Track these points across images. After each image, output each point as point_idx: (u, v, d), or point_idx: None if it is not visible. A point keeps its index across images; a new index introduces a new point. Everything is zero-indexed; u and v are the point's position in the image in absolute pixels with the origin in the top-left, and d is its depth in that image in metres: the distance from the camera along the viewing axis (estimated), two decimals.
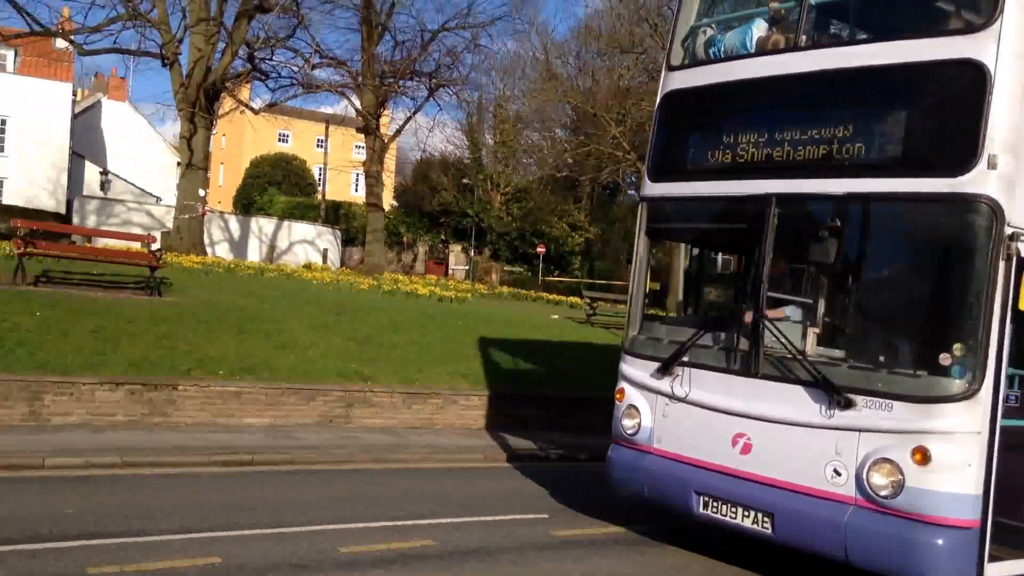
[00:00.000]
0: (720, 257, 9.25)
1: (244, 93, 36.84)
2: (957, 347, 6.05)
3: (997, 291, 6.01)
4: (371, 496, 9.11)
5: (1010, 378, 6.39)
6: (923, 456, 5.97)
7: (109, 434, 10.41)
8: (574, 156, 45.80)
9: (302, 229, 44.19)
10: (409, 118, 37.78)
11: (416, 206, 55.38)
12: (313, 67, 32.64)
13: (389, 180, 48.99)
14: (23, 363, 11.00)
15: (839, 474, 6.34)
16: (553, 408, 13.93)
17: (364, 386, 12.86)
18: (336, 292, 21.73)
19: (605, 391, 8.18)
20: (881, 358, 6.57)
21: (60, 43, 39.92)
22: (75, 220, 38.09)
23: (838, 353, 6.88)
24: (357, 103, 33.91)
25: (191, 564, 6.35)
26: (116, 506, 7.85)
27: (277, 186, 60.21)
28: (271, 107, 34.90)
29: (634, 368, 7.90)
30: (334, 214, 50.49)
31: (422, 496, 9.27)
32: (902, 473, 6.04)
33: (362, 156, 40.50)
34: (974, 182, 6.02)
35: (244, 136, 64.08)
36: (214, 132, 35.14)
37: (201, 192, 28.81)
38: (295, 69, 32.47)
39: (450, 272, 46.78)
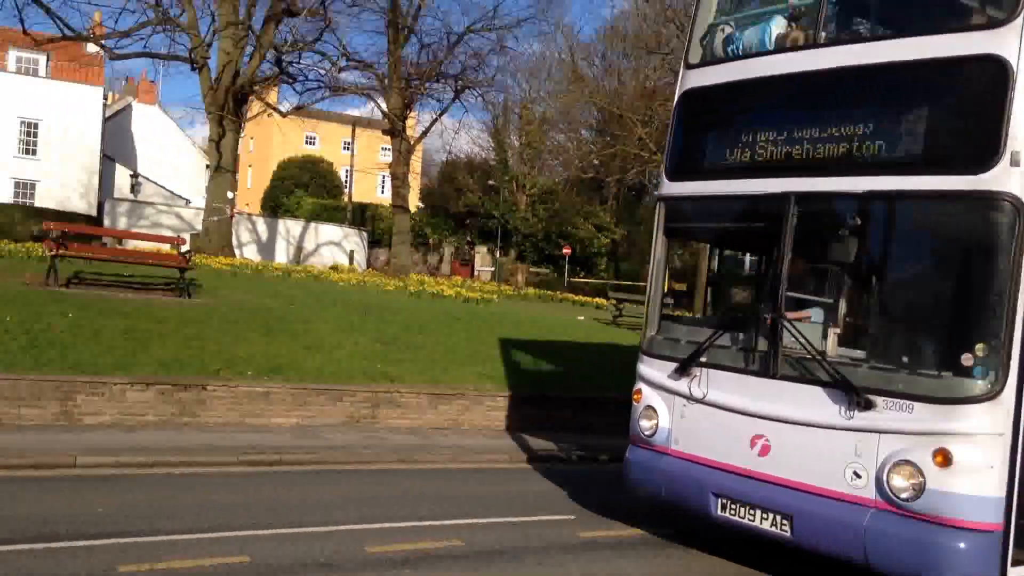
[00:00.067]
0: (739, 257, 9.17)
1: (272, 96, 37.18)
2: (979, 347, 5.95)
3: (1020, 290, 5.91)
4: (397, 496, 9.15)
5: None
6: (944, 458, 5.88)
7: (139, 434, 10.54)
8: (600, 157, 45.73)
9: (329, 231, 44.48)
10: (435, 120, 37.97)
11: (442, 208, 55.53)
12: (340, 70, 32.90)
13: (415, 182, 49.17)
14: (55, 363, 11.16)
15: (859, 476, 6.26)
16: (579, 409, 13.92)
17: (390, 387, 12.92)
18: (362, 293, 21.84)
19: (630, 392, 8.15)
20: (902, 358, 6.49)
21: (91, 48, 40.45)
22: (106, 222, 38.59)
23: (858, 353, 6.81)
24: (383, 105, 34.07)
25: (220, 563, 6.42)
26: (146, 505, 7.95)
27: (304, 188, 60.62)
28: (298, 110, 35.16)
29: (652, 369, 7.84)
30: (360, 216, 50.77)
31: (448, 496, 9.30)
32: (923, 475, 5.95)
33: (388, 158, 40.67)
34: (996, 179, 5.92)
35: (272, 139, 64.55)
36: (242, 135, 35.49)
37: (229, 194, 29.08)
38: (322, 72, 32.75)
39: (476, 273, 46.84)
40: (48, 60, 46.52)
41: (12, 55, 46.39)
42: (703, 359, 7.35)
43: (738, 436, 6.95)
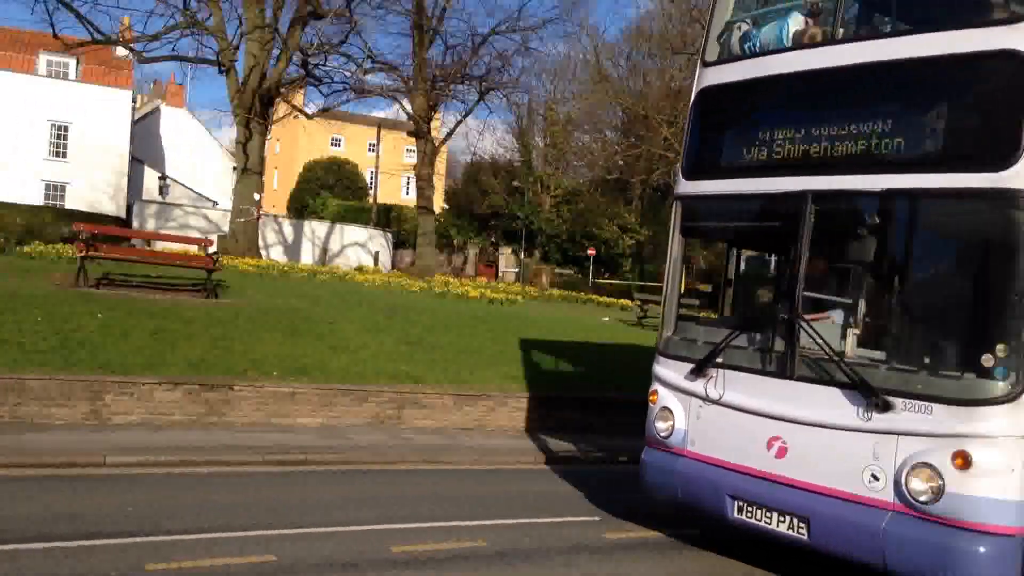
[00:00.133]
0: (756, 257, 9.07)
1: (298, 98, 37.48)
2: (1000, 348, 5.83)
3: None
4: (423, 496, 9.18)
5: None
6: (964, 461, 5.79)
7: (167, 433, 10.65)
8: (625, 158, 45.64)
9: (354, 232, 44.70)
10: (460, 121, 38.07)
11: (466, 209, 55.57)
12: (365, 72, 33.05)
13: (440, 183, 49.38)
14: (85, 363, 11.30)
15: (877, 479, 6.17)
16: (604, 411, 13.89)
17: (415, 388, 12.97)
18: (387, 294, 21.92)
19: None
20: (920, 359, 6.38)
21: (120, 51, 40.91)
22: (135, 224, 39.05)
23: (876, 354, 6.71)
24: (408, 107, 34.21)
25: (247, 562, 6.48)
26: (174, 504, 8.04)
27: (330, 190, 60.93)
28: (324, 112, 35.38)
29: (668, 370, 7.78)
30: (385, 217, 50.96)
31: (473, 497, 9.32)
32: (942, 478, 5.86)
33: (413, 159, 40.83)
34: (1017, 176, 5.82)
35: (298, 141, 65.04)
36: (269, 137, 35.72)
37: (256, 196, 29.30)
38: (348, 74, 32.96)
39: (500, 274, 46.88)
40: (78, 64, 47.12)
41: (43, 59, 47.03)
42: (719, 360, 7.28)
43: (755, 438, 6.89)
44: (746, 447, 6.94)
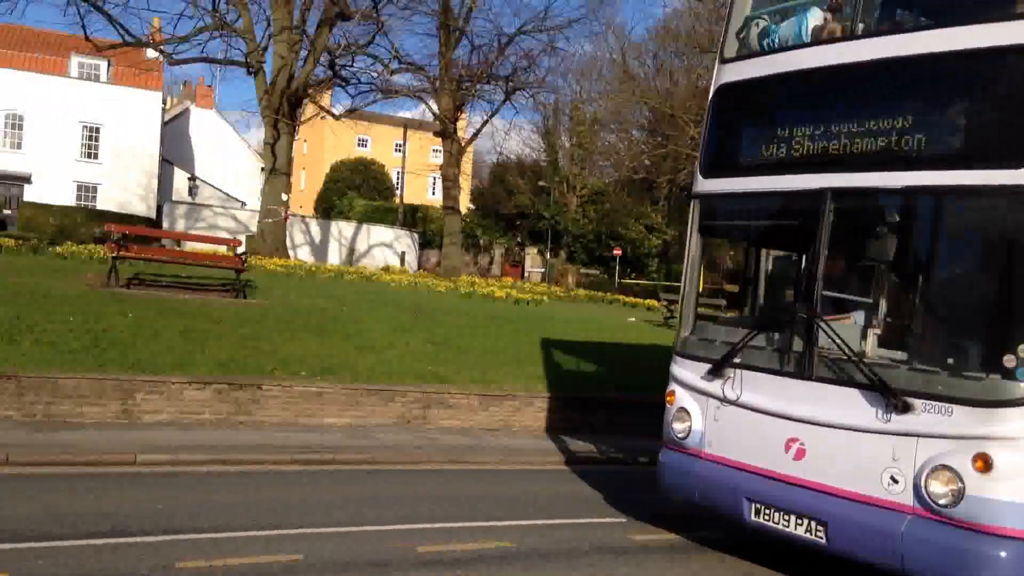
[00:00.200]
0: (775, 255, 8.97)
1: (325, 99, 37.70)
2: (1022, 348, 5.71)
3: None
4: (449, 496, 9.20)
5: None
6: (985, 463, 5.66)
7: (197, 432, 10.75)
8: (651, 157, 45.46)
9: (380, 232, 44.90)
10: (486, 122, 38.12)
11: (492, 209, 55.67)
12: (392, 73, 33.17)
13: (466, 183, 49.42)
14: (116, 363, 11.43)
15: (896, 481, 6.07)
16: (631, 411, 13.83)
17: (441, 388, 12.99)
18: (414, 294, 22.00)
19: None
20: (941, 360, 6.24)
21: (151, 53, 41.31)
22: (165, 224, 39.48)
23: (895, 354, 6.60)
24: (435, 107, 34.30)
25: (275, 560, 6.52)
26: (203, 502, 8.11)
27: (356, 190, 61.26)
28: (351, 112, 35.56)
29: (685, 370, 7.68)
30: (411, 217, 51.14)
31: (498, 497, 9.33)
32: (962, 481, 5.74)
33: (439, 160, 40.92)
34: None
35: (325, 141, 65.39)
36: (296, 138, 35.97)
37: (284, 197, 29.52)
38: (374, 75, 33.12)
39: (526, 275, 46.90)
40: (109, 66, 47.72)
41: (75, 61, 47.67)
42: (737, 360, 7.18)
43: (772, 439, 6.78)
44: (763, 449, 6.85)
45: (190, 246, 27.06)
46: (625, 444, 12.50)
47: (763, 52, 7.63)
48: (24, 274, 15.49)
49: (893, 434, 6.10)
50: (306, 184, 75.09)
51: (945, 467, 5.83)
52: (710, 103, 7.97)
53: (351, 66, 32.59)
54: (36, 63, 46.91)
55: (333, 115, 35.43)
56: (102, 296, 14.16)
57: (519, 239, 52.97)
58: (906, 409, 6.05)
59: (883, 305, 7.05)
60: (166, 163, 51.87)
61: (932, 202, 6.56)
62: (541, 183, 51.30)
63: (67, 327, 12.15)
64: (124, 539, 6.72)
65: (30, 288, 13.96)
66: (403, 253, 43.67)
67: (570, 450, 12.11)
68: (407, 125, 52.10)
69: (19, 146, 46.40)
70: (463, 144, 36.83)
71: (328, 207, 59.49)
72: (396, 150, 65.11)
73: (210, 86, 62.03)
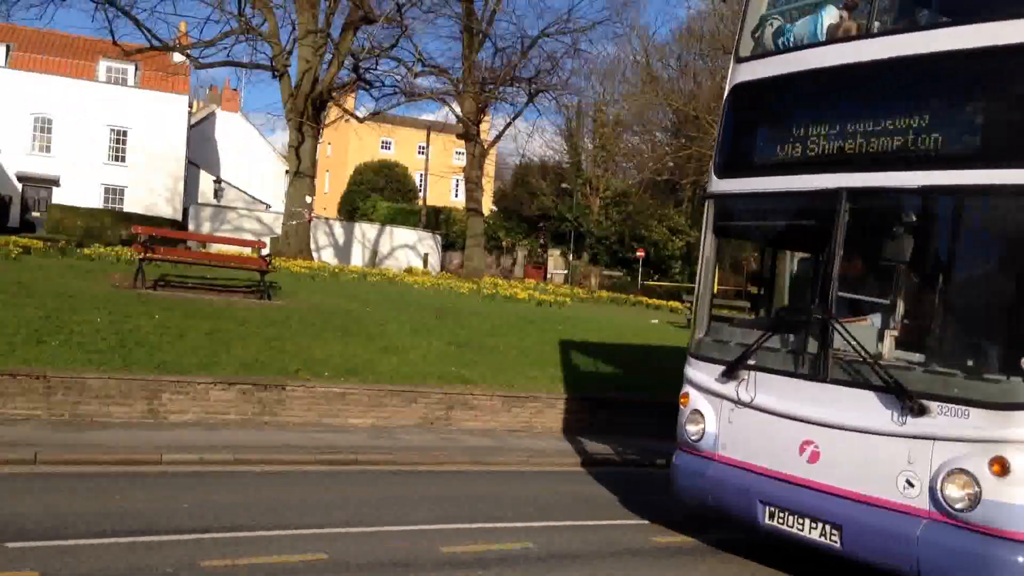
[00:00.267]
0: (790, 256, 8.88)
1: (349, 102, 37.82)
2: None
3: None
4: (471, 497, 9.22)
5: None
6: (1002, 467, 5.59)
7: (222, 432, 10.83)
8: (675, 159, 45.31)
9: (403, 234, 45.05)
10: (509, 124, 38.10)
11: (515, 211, 55.65)
12: (416, 75, 33.24)
13: (488, 185, 49.49)
14: (142, 363, 11.54)
15: (912, 485, 6.00)
16: (653, 413, 13.77)
17: (464, 389, 13.02)
18: (436, 296, 22.04)
19: None
20: (957, 362, 6.17)
21: (177, 57, 41.76)
22: (190, 226, 39.83)
23: (911, 356, 6.52)
24: (458, 110, 34.35)
25: (299, 560, 6.56)
26: (228, 502, 8.18)
27: (380, 192, 61.49)
28: (375, 115, 35.68)
29: (699, 372, 7.64)
30: (435, 219, 51.28)
31: (521, 499, 9.34)
32: (979, 485, 5.67)
33: (462, 162, 40.99)
34: None
35: (348, 144, 65.68)
36: (320, 141, 36.15)
37: (308, 199, 29.69)
38: (398, 78, 33.18)
39: (549, 276, 46.86)
40: (136, 70, 48.23)
41: (102, 65, 48.22)
42: (751, 362, 7.12)
43: (786, 442, 6.73)
44: (778, 451, 6.80)
45: (215, 248, 27.28)
46: (649, 446, 12.45)
47: (778, 51, 7.59)
48: (52, 275, 15.68)
49: (909, 437, 6.05)
50: (330, 186, 75.47)
51: (961, 471, 5.77)
52: (725, 103, 7.94)
53: (375, 69, 32.73)
54: (65, 67, 47.50)
55: (357, 118, 35.57)
56: (129, 297, 14.30)
57: (542, 241, 52.95)
58: (922, 412, 6.00)
59: (899, 306, 6.99)
60: (192, 166, 52.33)
61: (949, 202, 6.49)
62: (564, 185, 51.25)
63: (94, 328, 12.28)
64: (150, 537, 6.79)
65: (58, 289, 14.13)
66: (426, 255, 43.79)
67: (593, 452, 12.09)
68: (430, 127, 52.22)
69: (48, 149, 47.00)
70: (486, 146, 36.85)
71: (352, 209, 59.75)
72: (419, 152, 65.36)
73: (235, 90, 62.62)
